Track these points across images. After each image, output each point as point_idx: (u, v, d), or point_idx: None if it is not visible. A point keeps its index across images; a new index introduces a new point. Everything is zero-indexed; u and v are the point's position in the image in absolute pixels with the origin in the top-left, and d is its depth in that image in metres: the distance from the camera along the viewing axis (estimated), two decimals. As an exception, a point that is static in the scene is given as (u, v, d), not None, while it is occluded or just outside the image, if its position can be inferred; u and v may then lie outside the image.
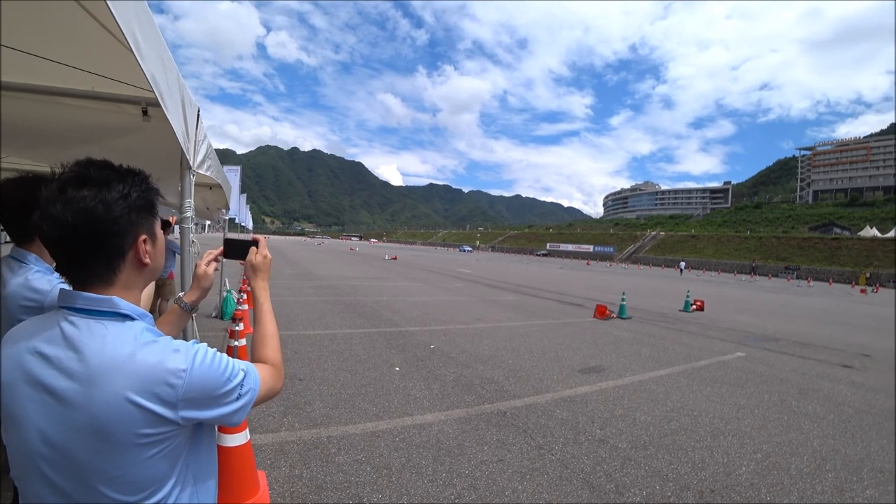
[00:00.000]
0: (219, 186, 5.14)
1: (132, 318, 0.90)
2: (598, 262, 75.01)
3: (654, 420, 4.57)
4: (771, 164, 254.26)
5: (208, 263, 1.30)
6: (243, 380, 0.95)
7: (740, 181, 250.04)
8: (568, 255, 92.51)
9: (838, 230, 76.96)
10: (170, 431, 0.85)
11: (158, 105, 1.82)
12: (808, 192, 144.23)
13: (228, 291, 8.45)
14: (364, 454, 3.44)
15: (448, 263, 35.59)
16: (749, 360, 7.66)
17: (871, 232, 70.57)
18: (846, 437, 4.51)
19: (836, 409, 5.40)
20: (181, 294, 1.31)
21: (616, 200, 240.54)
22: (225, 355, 0.95)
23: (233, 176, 13.21)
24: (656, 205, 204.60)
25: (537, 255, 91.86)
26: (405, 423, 4.07)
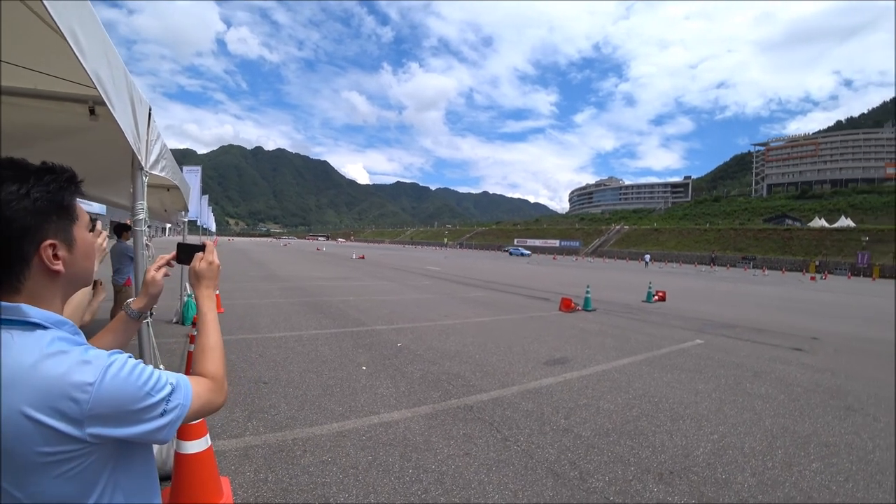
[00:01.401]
0: (176, 188, 5.00)
1: (44, 327, 0.84)
2: (564, 256, 76.20)
3: (616, 408, 4.70)
4: (728, 159, 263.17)
5: (158, 269, 1.25)
6: (170, 394, 0.88)
7: (699, 176, 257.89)
8: (535, 249, 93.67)
9: (790, 221, 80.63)
10: (77, 450, 0.78)
11: (101, 102, 1.77)
12: (763, 185, 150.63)
13: (189, 296, 8.23)
14: (330, 455, 3.42)
15: (416, 262, 35.54)
16: (707, 347, 7.96)
17: (819, 223, 74.32)
18: (795, 416, 4.75)
19: (787, 389, 5.68)
20: (129, 301, 1.27)
21: (581, 196, 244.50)
22: (150, 367, 0.89)
23: (193, 176, 12.80)
24: (620, 199, 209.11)
25: (505, 250, 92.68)
26: (372, 422, 4.06)
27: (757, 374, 6.28)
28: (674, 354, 7.29)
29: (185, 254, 1.27)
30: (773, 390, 5.60)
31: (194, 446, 2.67)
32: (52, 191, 0.87)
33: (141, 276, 3.18)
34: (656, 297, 14.84)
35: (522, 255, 67.76)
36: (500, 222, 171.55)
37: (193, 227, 16.93)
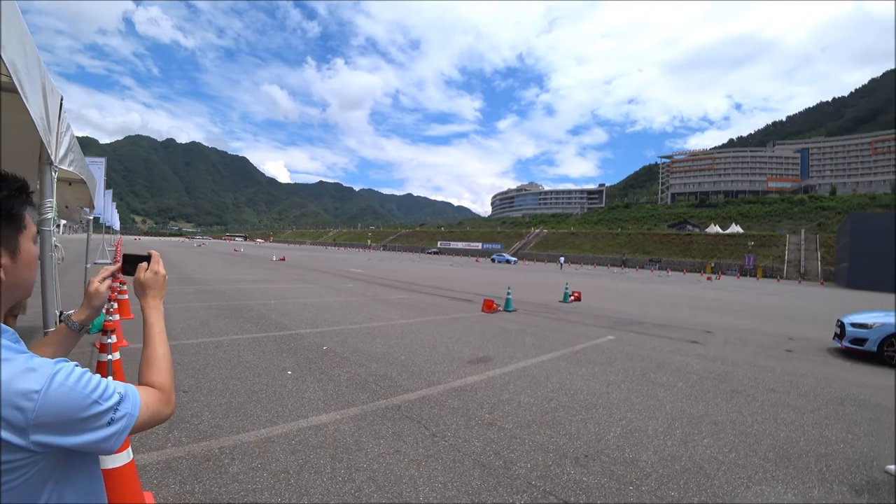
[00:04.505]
0: (81, 182, 4.67)
1: None
2: (485, 259, 78.07)
3: (536, 401, 5.01)
4: (638, 169, 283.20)
5: (102, 280, 1.23)
6: (118, 403, 0.88)
7: (612, 184, 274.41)
8: (458, 252, 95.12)
9: (690, 227, 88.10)
10: (20, 459, 0.77)
11: (11, 90, 1.68)
12: (668, 194, 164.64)
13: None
14: (259, 461, 3.37)
15: (340, 264, 34.93)
16: (618, 342, 8.61)
17: (714, 229, 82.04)
18: (691, 399, 5.34)
19: (684, 377, 6.34)
20: (70, 312, 1.24)
21: (503, 200, 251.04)
22: (98, 376, 0.88)
23: (96, 169, 11.80)
24: (540, 204, 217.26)
25: (428, 252, 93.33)
26: (300, 426, 4.04)
27: (660, 365, 6.92)
28: (588, 350, 7.82)
29: (130, 265, 1.27)
30: (674, 378, 6.22)
31: (114, 460, 2.52)
32: (2, 199, 0.88)
33: (49, 280, 2.98)
34: (572, 298, 15.71)
35: (508, 261, 62.81)
36: (423, 224, 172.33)
37: (96, 224, 15.57)
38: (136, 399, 0.94)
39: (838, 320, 9.22)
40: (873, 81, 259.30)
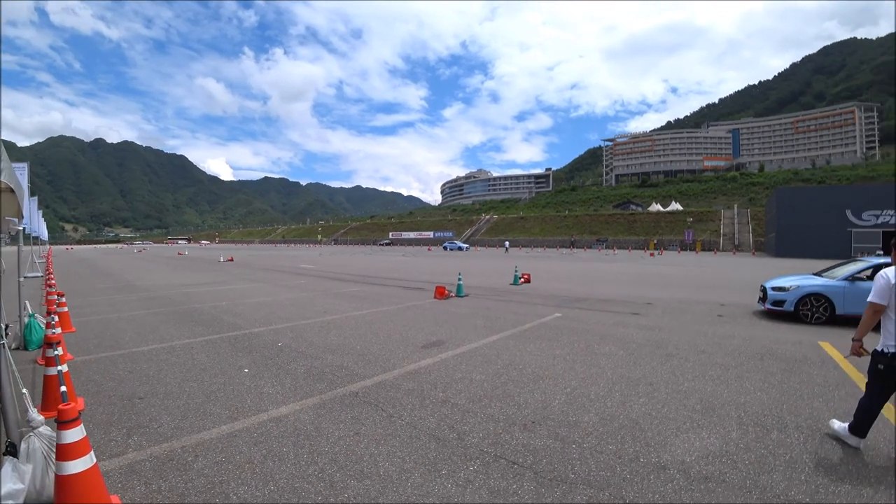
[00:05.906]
0: (9, 191, 4.51)
1: None
2: (437, 247, 78.44)
3: (487, 378, 5.33)
4: (583, 152, 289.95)
5: None
6: None
7: (559, 167, 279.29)
8: (410, 242, 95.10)
9: (634, 207, 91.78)
10: None
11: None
12: (612, 176, 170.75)
13: (31, 316, 7.28)
14: (223, 455, 3.47)
15: (290, 261, 34.30)
16: (564, 319, 9.10)
17: (656, 207, 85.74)
18: (630, 365, 5.83)
19: (625, 346, 6.85)
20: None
21: (452, 188, 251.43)
22: None
23: (19, 175, 11.09)
24: (489, 190, 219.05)
25: (380, 244, 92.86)
26: (261, 419, 4.15)
27: (603, 337, 7.42)
28: (536, 328, 8.25)
29: None
30: (615, 348, 6.71)
31: (77, 465, 2.49)
32: None
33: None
34: (522, 280, 16.26)
35: (460, 249, 62.81)
36: (374, 216, 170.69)
37: (23, 235, 14.61)
38: None
39: (761, 285, 10.09)
40: (794, 66, 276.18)
